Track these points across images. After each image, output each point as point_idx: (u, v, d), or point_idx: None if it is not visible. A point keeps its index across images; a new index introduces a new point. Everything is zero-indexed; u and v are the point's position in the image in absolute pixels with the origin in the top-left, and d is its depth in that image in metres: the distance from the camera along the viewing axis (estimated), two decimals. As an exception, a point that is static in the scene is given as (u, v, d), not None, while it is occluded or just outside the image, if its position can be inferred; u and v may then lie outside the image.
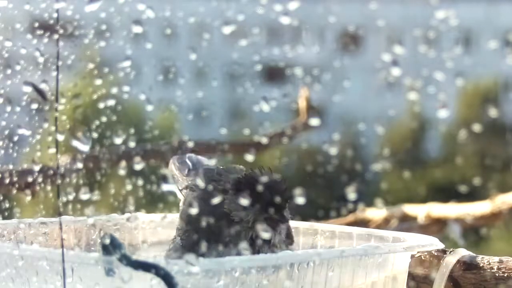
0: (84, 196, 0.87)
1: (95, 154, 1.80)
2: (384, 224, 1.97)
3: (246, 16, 0.94)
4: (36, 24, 1.04)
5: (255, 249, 0.97)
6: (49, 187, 1.20)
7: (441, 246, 1.03)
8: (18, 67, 0.98)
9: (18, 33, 0.97)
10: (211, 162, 1.04)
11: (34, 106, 0.92)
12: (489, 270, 1.04)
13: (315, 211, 2.00)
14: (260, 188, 0.95)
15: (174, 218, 1.06)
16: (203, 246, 0.93)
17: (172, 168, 1.06)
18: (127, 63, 0.95)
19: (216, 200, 0.96)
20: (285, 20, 0.87)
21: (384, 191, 5.06)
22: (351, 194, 1.04)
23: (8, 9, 0.95)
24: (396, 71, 0.88)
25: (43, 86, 0.86)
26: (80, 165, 1.75)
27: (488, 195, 1.93)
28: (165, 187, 0.92)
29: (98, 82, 1.04)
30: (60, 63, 0.85)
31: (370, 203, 2.06)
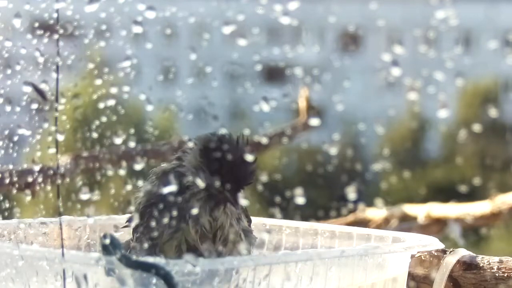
0: (84, 196, 0.87)
1: (95, 154, 1.80)
2: (384, 224, 1.97)
3: (246, 16, 0.94)
4: (36, 24, 1.04)
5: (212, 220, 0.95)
6: (49, 187, 1.20)
7: (441, 246, 1.03)
8: (18, 67, 0.98)
9: (18, 33, 0.97)
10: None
11: (34, 106, 0.92)
12: (489, 270, 1.04)
13: (315, 211, 2.00)
14: (229, 161, 0.92)
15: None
16: (162, 223, 0.92)
17: None
18: (127, 63, 0.95)
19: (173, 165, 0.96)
20: (285, 20, 0.87)
21: (384, 191, 5.06)
22: (351, 194, 1.04)
23: (8, 9, 0.95)
24: (396, 71, 0.88)
25: (43, 86, 0.86)
26: (80, 165, 1.75)
27: (488, 195, 1.93)
28: (165, 189, 0.92)
29: (98, 82, 1.04)
30: (60, 63, 0.85)
31: (370, 203, 2.06)
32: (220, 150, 0.92)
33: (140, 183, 1.00)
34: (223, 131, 0.96)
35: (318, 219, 1.79)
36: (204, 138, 0.96)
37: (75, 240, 1.09)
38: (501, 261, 1.04)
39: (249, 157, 0.94)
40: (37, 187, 1.25)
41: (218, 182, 0.92)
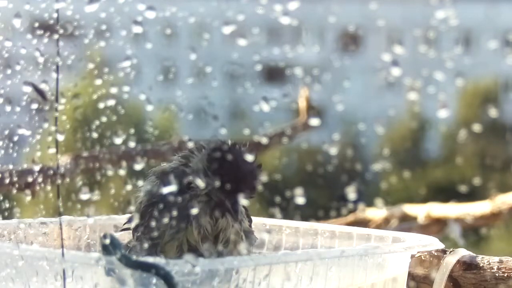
0: (84, 196, 0.87)
1: (95, 154, 1.80)
2: (384, 224, 1.97)
3: (246, 16, 0.94)
4: (36, 24, 1.04)
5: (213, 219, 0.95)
6: (49, 187, 1.20)
7: (441, 246, 1.03)
8: (18, 67, 0.98)
9: (18, 33, 0.97)
10: None
11: (34, 106, 0.92)
12: (489, 270, 1.04)
13: (315, 211, 2.00)
14: (234, 172, 0.93)
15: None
16: (164, 224, 0.92)
17: None
18: (127, 63, 0.95)
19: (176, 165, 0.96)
20: (285, 20, 0.87)
21: (384, 191, 5.06)
22: (351, 194, 1.04)
23: (8, 9, 0.95)
24: (396, 71, 0.88)
25: (43, 86, 0.86)
26: (80, 165, 1.75)
27: (488, 195, 1.93)
28: (165, 190, 0.92)
29: (98, 82, 1.04)
30: (60, 63, 0.85)
31: (370, 203, 2.06)
32: (227, 160, 0.93)
33: (140, 183, 1.00)
34: (228, 139, 0.96)
35: (318, 219, 1.79)
36: (214, 144, 0.96)
37: (75, 240, 1.09)
38: (501, 261, 1.04)
39: (256, 171, 0.94)
40: (37, 187, 1.25)
41: (221, 190, 0.92)
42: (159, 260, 0.79)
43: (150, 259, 0.79)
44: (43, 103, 0.87)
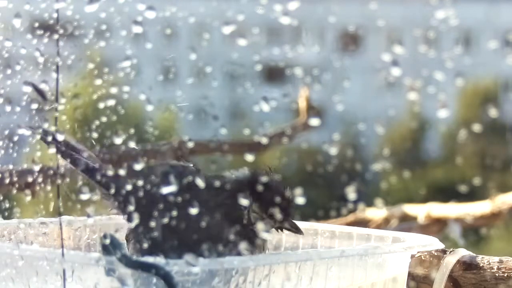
0: (84, 196, 0.87)
1: (95, 154, 1.79)
2: (384, 224, 1.97)
3: (246, 16, 0.94)
4: (36, 24, 1.04)
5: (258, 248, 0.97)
6: (49, 187, 1.20)
7: (441, 246, 1.03)
8: (18, 67, 0.98)
9: (18, 33, 0.97)
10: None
11: (34, 106, 0.92)
12: (489, 270, 1.04)
13: (315, 211, 2.00)
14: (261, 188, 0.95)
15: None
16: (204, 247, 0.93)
17: None
18: (127, 63, 0.95)
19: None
20: (285, 20, 0.87)
21: (384, 191, 5.05)
22: (351, 194, 1.04)
23: (8, 9, 0.95)
24: (396, 71, 0.88)
25: (43, 86, 0.86)
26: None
27: (488, 195, 1.93)
28: (165, 190, 0.92)
29: (98, 82, 1.04)
30: (60, 63, 0.85)
31: (370, 203, 2.06)
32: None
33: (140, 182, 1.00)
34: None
35: (318, 219, 1.78)
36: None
37: (75, 240, 1.09)
38: (501, 261, 1.04)
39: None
40: (37, 187, 1.25)
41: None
42: (159, 260, 0.79)
43: (150, 259, 0.79)
44: (43, 103, 0.87)
